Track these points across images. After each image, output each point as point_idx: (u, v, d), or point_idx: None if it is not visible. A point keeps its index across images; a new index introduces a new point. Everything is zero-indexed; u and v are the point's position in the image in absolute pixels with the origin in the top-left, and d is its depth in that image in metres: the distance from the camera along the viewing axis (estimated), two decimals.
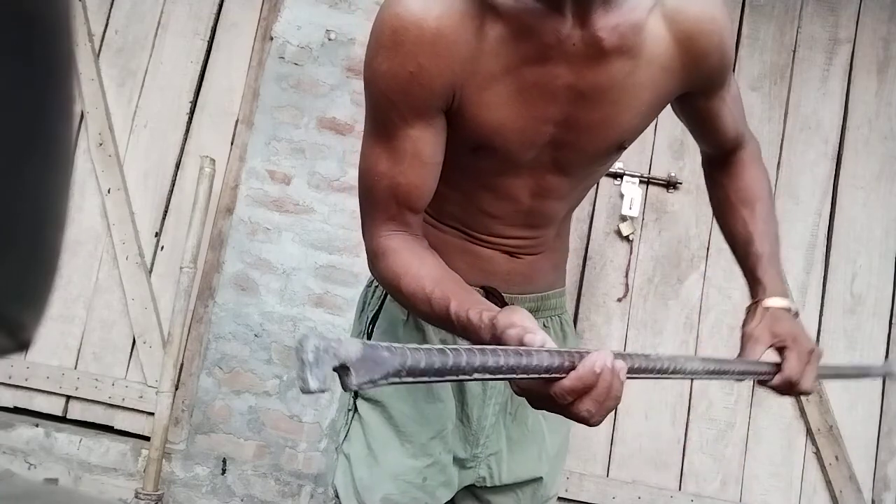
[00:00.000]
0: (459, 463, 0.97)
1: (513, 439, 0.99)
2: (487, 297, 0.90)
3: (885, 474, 2.27)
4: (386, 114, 0.81)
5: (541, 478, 1.02)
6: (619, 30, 0.78)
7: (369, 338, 0.98)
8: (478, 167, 0.88)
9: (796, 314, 0.95)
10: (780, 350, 0.90)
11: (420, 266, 0.81)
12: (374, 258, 0.86)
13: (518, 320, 0.66)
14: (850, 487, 2.23)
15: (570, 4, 0.75)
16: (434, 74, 0.77)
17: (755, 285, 0.99)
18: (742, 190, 1.02)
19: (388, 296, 0.97)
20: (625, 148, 0.92)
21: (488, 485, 1.00)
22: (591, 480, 2.26)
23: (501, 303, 0.94)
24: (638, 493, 2.25)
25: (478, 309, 0.72)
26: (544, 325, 1.01)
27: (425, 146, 0.82)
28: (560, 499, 2.27)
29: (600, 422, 0.66)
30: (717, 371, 0.80)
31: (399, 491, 0.92)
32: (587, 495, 2.25)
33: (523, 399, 0.79)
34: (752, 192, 1.01)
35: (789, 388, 0.88)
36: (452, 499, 1.01)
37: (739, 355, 0.92)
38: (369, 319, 0.99)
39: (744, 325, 0.96)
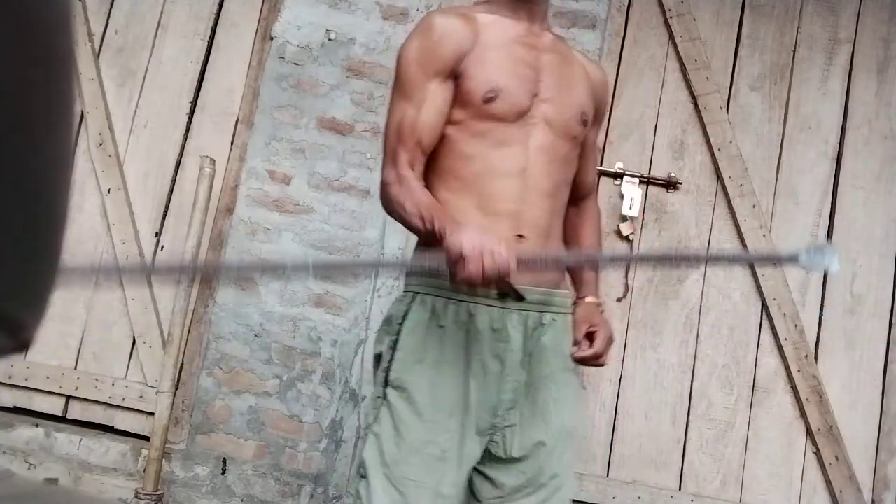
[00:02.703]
0: (481, 432, 1.17)
1: (524, 415, 1.20)
2: (502, 287, 1.13)
3: (885, 474, 2.27)
4: (414, 75, 1.19)
5: (543, 443, 1.20)
6: (552, 36, 1.31)
7: (397, 337, 1.20)
8: (493, 117, 1.19)
9: (601, 307, 1.36)
10: (591, 333, 1.27)
11: (421, 195, 1.15)
12: (393, 183, 1.18)
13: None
14: (850, 487, 2.23)
15: (527, 17, 1.26)
16: (448, 44, 1.19)
17: (581, 286, 1.36)
18: (587, 229, 1.44)
19: (414, 304, 1.21)
20: (587, 123, 1.30)
21: (501, 455, 1.19)
22: (591, 480, 2.26)
23: (515, 293, 1.15)
24: (638, 493, 2.25)
25: (444, 226, 1.06)
26: (552, 320, 1.23)
27: (437, 97, 1.19)
28: None
29: (479, 274, 0.97)
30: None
31: (422, 462, 1.12)
32: (587, 495, 2.25)
33: (537, 383, 1.21)
34: (591, 237, 1.44)
35: (595, 359, 1.26)
36: (470, 484, 1.22)
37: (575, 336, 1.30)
38: (399, 322, 1.21)
39: (574, 313, 1.32)
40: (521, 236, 1.18)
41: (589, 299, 1.33)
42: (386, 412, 1.16)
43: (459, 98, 1.20)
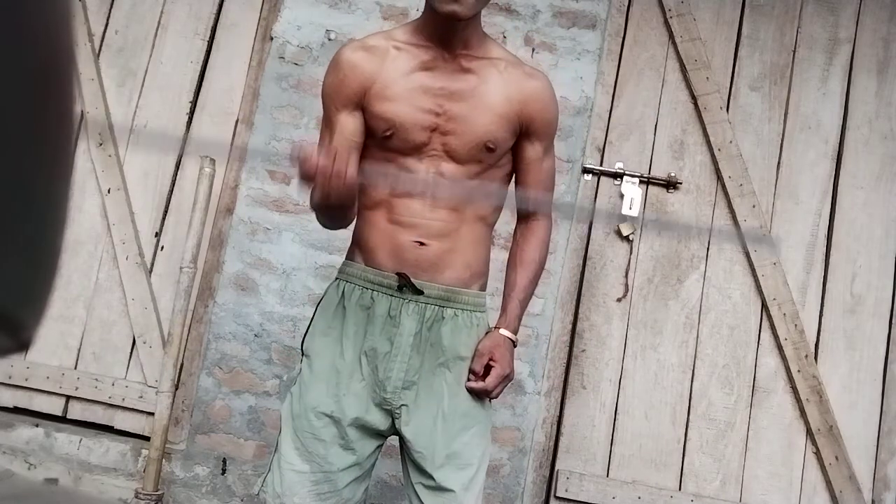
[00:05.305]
0: (379, 404, 1.33)
1: (420, 397, 1.33)
2: (399, 280, 1.30)
3: (885, 474, 2.27)
4: (328, 107, 1.36)
5: (435, 422, 1.30)
6: (470, 59, 1.33)
7: (314, 314, 1.41)
8: (391, 150, 1.33)
9: (515, 344, 1.38)
10: (489, 367, 1.32)
11: None
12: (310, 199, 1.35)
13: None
14: (850, 487, 2.23)
15: (442, 42, 1.31)
16: (351, 80, 1.33)
17: (501, 316, 1.38)
18: (527, 252, 1.43)
19: (331, 288, 1.41)
20: (493, 150, 1.33)
21: (402, 428, 1.31)
22: (591, 480, 2.26)
23: (411, 286, 1.30)
24: (638, 493, 2.26)
25: None
26: (455, 315, 1.34)
27: (345, 127, 1.34)
28: (560, 498, 2.27)
29: (323, 187, 1.13)
30: None
31: (315, 417, 1.32)
32: (587, 495, 2.26)
33: (433, 369, 1.32)
34: (532, 258, 1.42)
35: (484, 394, 1.33)
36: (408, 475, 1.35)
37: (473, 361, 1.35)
38: (318, 302, 1.43)
39: (481, 341, 1.36)
40: (421, 243, 1.32)
41: (501, 331, 1.36)
42: (299, 376, 1.37)
43: (366, 129, 1.34)
